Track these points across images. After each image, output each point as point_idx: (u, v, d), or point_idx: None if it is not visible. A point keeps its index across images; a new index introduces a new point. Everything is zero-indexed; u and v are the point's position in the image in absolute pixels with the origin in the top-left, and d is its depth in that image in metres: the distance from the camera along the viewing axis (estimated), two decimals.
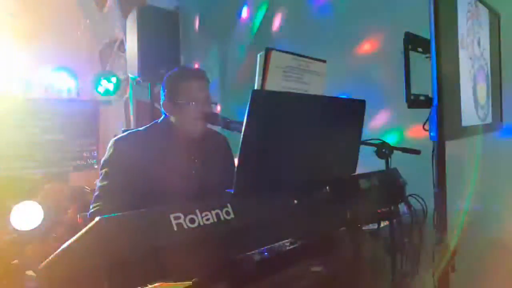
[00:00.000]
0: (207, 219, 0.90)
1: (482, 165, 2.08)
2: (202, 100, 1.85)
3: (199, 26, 3.86)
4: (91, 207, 1.77)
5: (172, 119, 1.90)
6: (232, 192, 0.99)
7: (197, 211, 0.89)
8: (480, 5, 1.62)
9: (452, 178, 1.65)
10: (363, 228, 1.66)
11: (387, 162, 1.89)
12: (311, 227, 1.18)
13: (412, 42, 1.37)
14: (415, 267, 1.87)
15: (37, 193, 5.05)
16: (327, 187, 1.20)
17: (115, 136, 1.96)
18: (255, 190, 1.01)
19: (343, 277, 1.52)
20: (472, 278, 2.03)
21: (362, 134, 1.39)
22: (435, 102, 1.27)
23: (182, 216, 0.85)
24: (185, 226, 0.85)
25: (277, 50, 1.02)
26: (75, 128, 3.35)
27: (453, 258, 1.71)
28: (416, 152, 1.90)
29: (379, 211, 1.63)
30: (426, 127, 1.41)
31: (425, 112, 1.42)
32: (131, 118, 3.82)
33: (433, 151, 1.58)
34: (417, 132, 1.58)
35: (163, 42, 3.39)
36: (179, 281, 0.95)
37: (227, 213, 0.94)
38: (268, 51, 0.98)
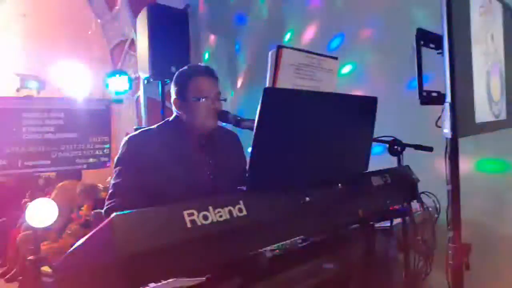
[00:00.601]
0: (220, 216, 0.90)
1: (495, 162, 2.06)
2: (212, 97, 1.86)
3: (208, 24, 3.86)
4: (105, 205, 1.79)
5: (183, 116, 1.91)
6: (245, 189, 1.00)
7: (210, 208, 0.89)
8: (494, 0, 1.60)
9: (465, 175, 1.63)
10: (376, 225, 1.66)
11: (399, 159, 1.88)
12: (323, 224, 1.18)
13: (424, 38, 1.36)
14: (428, 265, 1.86)
15: (50, 191, 5.14)
16: (339, 184, 1.20)
17: (127, 134, 1.98)
18: (267, 187, 1.01)
19: (354, 275, 1.52)
20: (487, 277, 2.01)
21: (374, 131, 1.39)
22: (448, 98, 1.25)
23: (196, 213, 0.86)
24: (198, 223, 0.86)
25: (288, 47, 1.02)
26: (88, 127, 3.38)
27: (467, 256, 1.69)
28: (429, 149, 1.89)
29: (391, 208, 1.62)
30: (439, 123, 1.39)
31: (436, 109, 1.41)
32: (143, 116, 3.85)
33: (446, 148, 1.56)
34: (428, 129, 1.56)
35: (173, 40, 3.41)
36: (192, 278, 0.96)
37: (240, 210, 0.95)
38: (279, 49, 0.98)
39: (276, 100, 0.96)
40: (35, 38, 3.65)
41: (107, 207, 1.78)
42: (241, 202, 0.96)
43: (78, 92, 3.61)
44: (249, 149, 1.02)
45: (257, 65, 3.44)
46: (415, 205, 1.75)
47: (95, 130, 3.38)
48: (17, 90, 3.29)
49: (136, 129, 3.14)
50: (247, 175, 0.99)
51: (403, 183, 1.62)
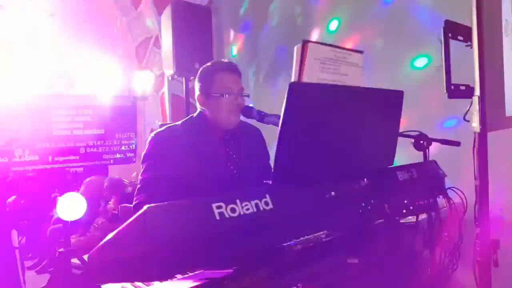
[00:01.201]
0: (247, 209, 0.92)
1: None
2: (235, 93, 1.88)
3: (231, 21, 3.88)
4: (134, 199, 1.85)
5: (207, 112, 1.94)
6: (271, 183, 1.01)
7: (238, 201, 0.91)
8: None
9: (493, 171, 1.59)
10: (401, 221, 1.64)
11: (425, 154, 1.85)
12: (348, 219, 1.18)
13: (452, 30, 1.34)
14: (454, 261, 1.83)
15: (78, 185, 5.30)
16: (365, 179, 1.20)
17: (151, 130, 2.03)
18: (293, 181, 1.02)
19: (379, 270, 1.51)
20: None
21: (399, 125, 1.37)
22: (477, 91, 1.23)
23: (224, 206, 0.88)
24: (226, 215, 0.88)
25: (313, 42, 1.02)
26: (115, 123, 3.48)
27: (496, 252, 1.66)
28: (456, 143, 1.85)
29: (417, 203, 1.60)
30: (467, 117, 1.37)
31: (464, 103, 1.38)
32: (167, 112, 3.92)
33: (474, 143, 1.53)
34: (456, 123, 1.53)
35: (196, 37, 3.45)
36: (220, 269, 0.98)
37: (266, 203, 0.96)
38: (305, 43, 0.99)
39: (302, 95, 0.97)
40: (63, 37, 3.76)
41: (135, 202, 1.83)
42: (267, 195, 0.97)
43: (105, 89, 3.71)
44: (274, 144, 1.03)
45: (281, 61, 3.45)
46: (441, 201, 1.73)
47: (121, 126, 3.48)
48: (48, 88, 3.41)
49: (160, 125, 3.21)
50: (273, 169, 1.00)
51: (430, 178, 1.59)
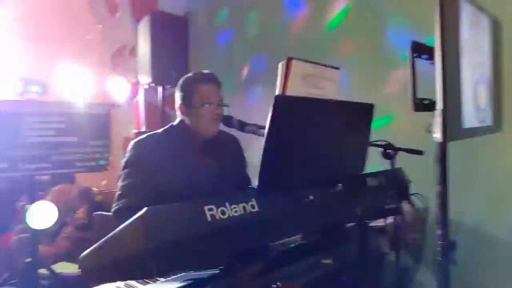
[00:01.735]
0: (236, 211, 1.00)
1: (482, 165, 2.19)
2: (216, 103, 1.96)
3: (207, 31, 3.96)
4: (114, 205, 1.87)
5: (187, 121, 2.01)
6: (256, 188, 1.10)
7: (227, 204, 0.99)
8: (482, 14, 1.73)
9: (454, 177, 1.75)
10: (370, 224, 1.76)
11: (392, 162, 1.99)
12: (325, 221, 1.28)
13: (418, 49, 1.48)
14: (418, 261, 1.97)
15: (45, 194, 5.15)
16: (339, 185, 1.30)
17: (124, 138, 2.06)
18: (276, 186, 1.11)
19: (350, 270, 1.62)
20: (472, 272, 2.13)
21: (370, 135, 1.50)
22: (439, 105, 1.37)
23: (215, 208, 0.96)
24: (217, 217, 0.95)
25: (297, 59, 1.12)
26: (88, 131, 3.43)
27: (454, 252, 1.81)
28: (419, 152, 2.00)
29: (385, 208, 1.73)
30: (430, 129, 1.51)
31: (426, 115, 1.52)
32: (142, 120, 3.93)
33: (436, 152, 1.68)
34: (420, 134, 1.67)
35: (173, 47, 3.51)
36: (211, 267, 1.06)
37: (252, 206, 1.04)
38: (289, 60, 1.08)
39: (286, 107, 1.06)
40: (35, 41, 3.70)
41: (116, 207, 1.86)
42: (253, 199, 1.06)
43: (79, 96, 3.67)
44: (252, 150, 1.10)
45: (256, 71, 3.55)
46: (406, 205, 1.86)
47: (95, 134, 3.43)
48: (20, 94, 3.34)
49: (138, 133, 3.22)
50: (258, 174, 1.09)
51: (396, 184, 1.72)
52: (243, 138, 2.07)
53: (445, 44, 1.37)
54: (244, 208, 1.02)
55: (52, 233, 4.45)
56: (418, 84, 1.48)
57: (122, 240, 0.89)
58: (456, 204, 1.79)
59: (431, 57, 1.49)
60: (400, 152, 1.94)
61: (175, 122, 2.07)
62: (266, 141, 1.05)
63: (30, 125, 3.23)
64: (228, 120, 1.92)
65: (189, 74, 2.06)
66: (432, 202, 1.80)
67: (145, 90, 3.82)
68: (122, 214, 1.82)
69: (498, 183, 2.13)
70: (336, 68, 1.26)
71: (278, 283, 1.19)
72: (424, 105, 1.50)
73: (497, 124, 1.89)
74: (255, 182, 2.14)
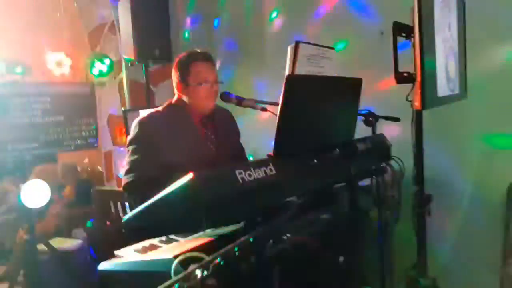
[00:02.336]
0: (259, 174, 1.19)
1: (453, 129, 2.47)
2: (211, 81, 2.11)
3: (186, 7, 3.99)
4: (124, 179, 2.02)
5: (185, 98, 2.15)
6: (272, 155, 1.28)
7: (252, 168, 1.18)
8: None
9: (428, 140, 1.99)
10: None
11: (373, 129, 2.22)
12: (326, 180, 1.50)
13: (399, 29, 1.68)
14: (397, 215, 2.24)
15: (26, 174, 5.15)
16: (337, 150, 1.52)
17: (108, 115, 2.13)
18: (288, 153, 1.30)
19: (344, 223, 1.87)
20: (445, 221, 2.45)
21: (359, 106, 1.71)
22: (418, 77, 1.59)
23: (243, 172, 1.14)
24: (246, 180, 1.14)
25: (303, 42, 1.29)
26: (74, 109, 3.49)
27: (429, 204, 2.08)
28: (396, 119, 2.25)
29: (371, 168, 1.97)
30: (409, 98, 1.73)
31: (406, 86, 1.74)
32: (126, 98, 3.98)
33: (412, 118, 1.92)
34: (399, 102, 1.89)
35: (155, 23, 3.55)
36: (241, 221, 1.25)
37: (271, 170, 1.24)
38: (297, 43, 1.25)
39: (295, 85, 1.24)
40: (8, 23, 3.61)
41: (126, 181, 2.00)
42: (271, 164, 1.25)
43: (62, 76, 3.68)
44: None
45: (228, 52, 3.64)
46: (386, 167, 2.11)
47: (81, 112, 3.48)
48: (2, 76, 3.32)
49: (124, 111, 3.31)
50: (274, 143, 1.27)
51: (380, 148, 1.96)
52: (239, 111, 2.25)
53: (422, 24, 1.58)
54: (264, 171, 1.21)
55: (39, 212, 4.52)
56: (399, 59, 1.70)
57: (172, 201, 1.06)
58: (430, 163, 2.06)
59: (408, 35, 1.70)
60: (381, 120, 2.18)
61: (173, 100, 2.20)
62: (280, 115, 1.24)
63: (17, 107, 3.25)
64: (226, 97, 2.08)
65: (184, 54, 2.18)
66: (408, 163, 2.06)
67: (128, 68, 3.86)
68: (133, 187, 1.98)
69: (465, 143, 2.42)
70: (332, 48, 1.44)
71: (288, 235, 1.41)
72: (404, 78, 1.72)
73: (463, 92, 2.15)
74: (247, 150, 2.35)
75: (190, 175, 1.03)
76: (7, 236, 4.66)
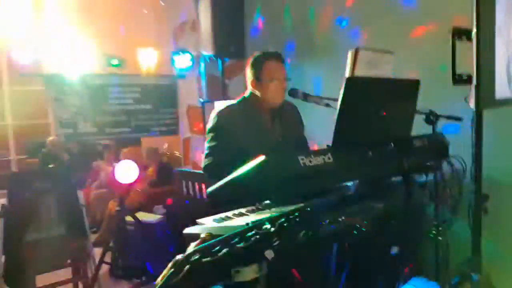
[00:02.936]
0: (318, 161, 1.41)
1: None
2: (281, 78, 2.35)
3: (261, 7, 4.24)
4: (204, 162, 2.35)
5: (257, 93, 2.41)
6: (331, 145, 1.50)
7: (312, 155, 1.40)
8: None
9: (487, 141, 2.05)
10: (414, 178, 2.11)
11: (433, 127, 2.31)
12: (380, 171, 1.67)
13: (458, 33, 1.78)
14: (454, 213, 2.31)
15: (111, 156, 5.80)
16: (392, 144, 1.68)
17: (188, 106, 2.39)
18: (345, 144, 1.51)
19: (397, 215, 2.01)
20: (501, 219, 2.46)
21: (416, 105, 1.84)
22: (474, 80, 1.69)
23: (305, 158, 1.37)
24: (306, 164, 1.37)
25: (362, 48, 1.47)
26: (159, 99, 3.95)
27: (485, 203, 2.14)
28: (458, 118, 2.31)
29: (427, 165, 2.07)
30: (468, 99, 1.83)
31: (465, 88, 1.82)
32: (203, 90, 4.35)
33: (472, 118, 2.00)
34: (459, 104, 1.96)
35: (231, 21, 3.86)
36: (302, 202, 1.48)
37: (329, 158, 1.45)
38: (357, 50, 1.44)
39: (354, 86, 1.44)
40: (115, 21, 4.13)
41: (205, 164, 2.34)
42: (329, 153, 1.46)
43: (149, 68, 4.15)
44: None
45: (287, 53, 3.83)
46: (446, 165, 2.19)
47: (165, 102, 3.94)
48: (102, 69, 3.85)
49: (202, 103, 3.66)
50: (333, 135, 1.48)
51: (437, 146, 2.06)
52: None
53: (481, 28, 1.67)
54: (323, 159, 1.43)
55: (127, 188, 5.12)
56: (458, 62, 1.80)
57: (247, 178, 1.32)
58: (489, 164, 2.11)
59: (469, 39, 1.80)
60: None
61: (247, 94, 2.48)
62: (340, 111, 1.44)
63: (113, 95, 3.79)
64: (294, 92, 2.31)
65: (258, 53, 2.44)
66: (468, 162, 2.13)
67: (206, 62, 4.23)
68: (211, 169, 2.31)
69: None
70: (391, 52, 1.60)
71: (343, 217, 1.61)
72: (462, 80, 1.82)
73: None
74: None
75: (262, 157, 1.28)
76: (97, 210, 5.35)
